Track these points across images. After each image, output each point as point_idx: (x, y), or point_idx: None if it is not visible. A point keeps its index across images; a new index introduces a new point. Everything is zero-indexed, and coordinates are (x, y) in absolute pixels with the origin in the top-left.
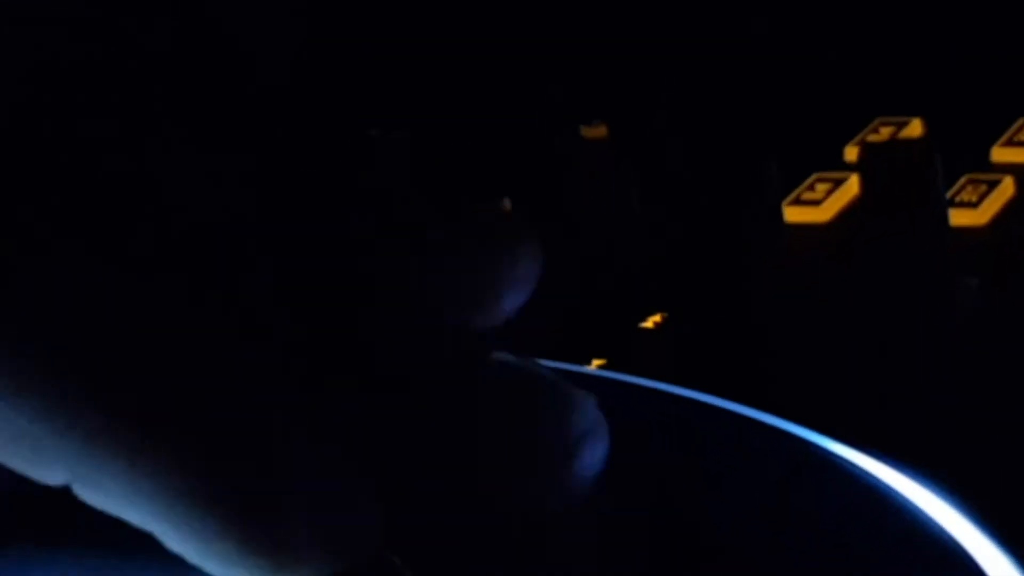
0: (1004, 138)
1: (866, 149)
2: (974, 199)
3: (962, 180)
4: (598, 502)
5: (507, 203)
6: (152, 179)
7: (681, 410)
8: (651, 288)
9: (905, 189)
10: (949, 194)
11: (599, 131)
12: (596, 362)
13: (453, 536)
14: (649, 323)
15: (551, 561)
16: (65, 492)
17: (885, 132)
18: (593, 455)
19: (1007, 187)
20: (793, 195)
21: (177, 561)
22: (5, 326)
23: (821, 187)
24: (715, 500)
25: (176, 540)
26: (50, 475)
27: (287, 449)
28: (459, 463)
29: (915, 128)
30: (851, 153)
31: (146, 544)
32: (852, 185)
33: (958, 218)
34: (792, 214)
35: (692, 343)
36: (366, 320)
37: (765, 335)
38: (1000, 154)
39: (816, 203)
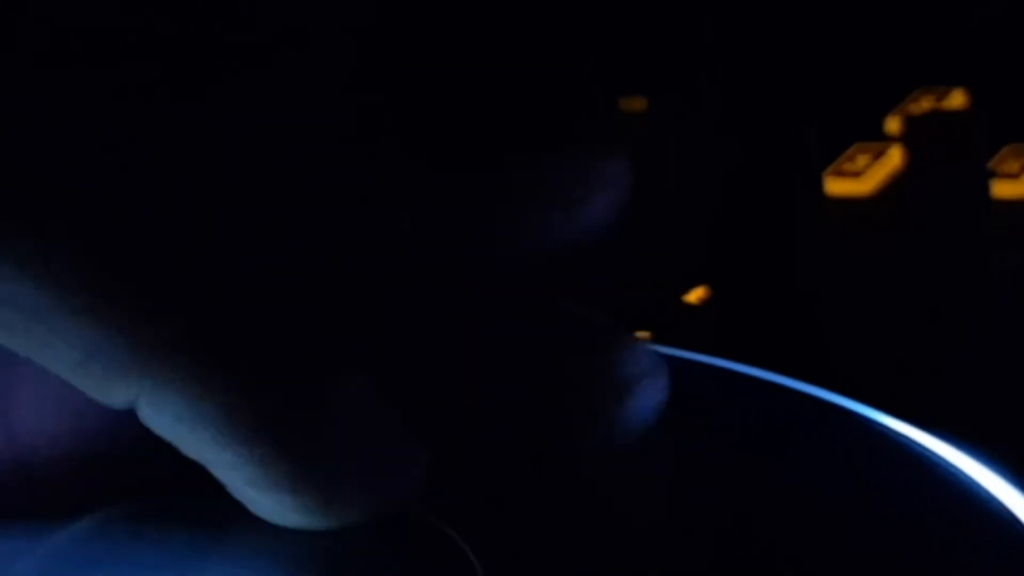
0: None
1: (909, 121)
2: (1016, 170)
3: (1004, 150)
4: (642, 471)
5: None
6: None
7: (725, 382)
8: (694, 262)
9: (948, 161)
10: (991, 165)
11: (638, 104)
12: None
13: (493, 490)
14: (693, 297)
15: (590, 525)
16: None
17: (926, 102)
18: (650, 396)
19: None
20: (833, 166)
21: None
22: (93, 241)
23: (862, 158)
24: (756, 469)
25: (226, 467)
26: (115, 395)
27: (338, 389)
28: (519, 406)
29: (957, 98)
30: (892, 124)
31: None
32: (893, 156)
33: (1001, 189)
34: (833, 185)
35: (735, 316)
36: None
37: (808, 308)
38: None
39: (857, 174)
